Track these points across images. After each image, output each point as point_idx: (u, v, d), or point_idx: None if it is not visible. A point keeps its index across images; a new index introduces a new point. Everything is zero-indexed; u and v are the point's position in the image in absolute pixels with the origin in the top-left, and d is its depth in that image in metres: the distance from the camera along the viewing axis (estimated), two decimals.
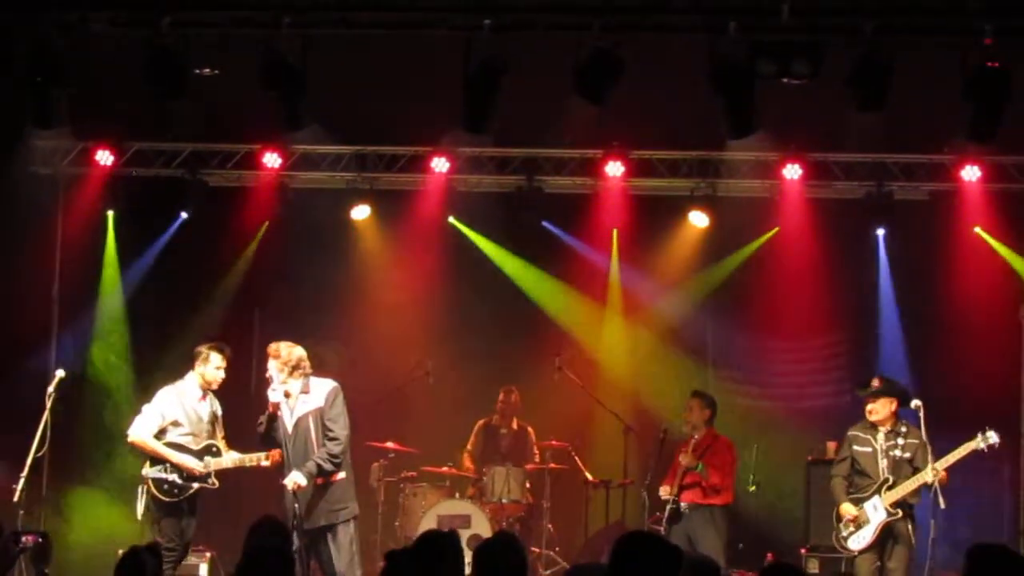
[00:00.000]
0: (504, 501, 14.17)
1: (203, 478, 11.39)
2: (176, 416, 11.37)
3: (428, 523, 13.52)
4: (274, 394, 11.01)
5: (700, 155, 14.70)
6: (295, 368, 11.07)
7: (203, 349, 11.61)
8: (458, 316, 15.41)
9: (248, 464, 11.48)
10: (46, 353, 14.41)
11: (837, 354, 15.32)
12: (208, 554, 12.92)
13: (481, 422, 15.06)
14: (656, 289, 15.44)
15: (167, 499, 11.23)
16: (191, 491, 11.31)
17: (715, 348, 15.65)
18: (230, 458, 11.52)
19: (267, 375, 11.15)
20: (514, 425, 14.99)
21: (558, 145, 14.60)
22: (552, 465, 14.50)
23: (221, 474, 11.39)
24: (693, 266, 15.33)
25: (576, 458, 14.48)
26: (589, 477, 14.30)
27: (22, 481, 11.17)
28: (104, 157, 14.62)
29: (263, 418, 11.09)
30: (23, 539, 7.83)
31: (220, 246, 15.27)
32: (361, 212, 15.10)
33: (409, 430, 14.66)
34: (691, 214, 14.94)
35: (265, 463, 11.39)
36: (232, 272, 15.38)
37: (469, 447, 14.97)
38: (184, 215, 14.91)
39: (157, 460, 11.27)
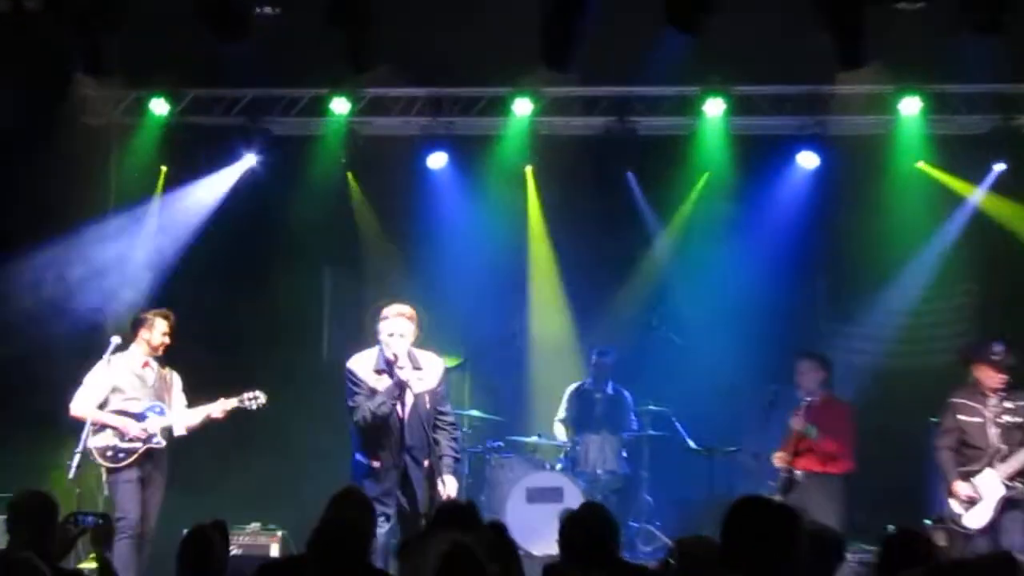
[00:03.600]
0: (599, 472, 14.13)
1: (147, 438, 11.66)
2: (116, 383, 11.73)
3: (517, 497, 13.66)
4: (404, 370, 10.62)
5: (808, 90, 14.52)
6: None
7: (148, 315, 12.05)
8: (546, 272, 15.31)
9: (197, 420, 11.87)
10: (100, 318, 14.35)
11: (962, 306, 15.08)
12: (279, 533, 13.09)
13: (573, 386, 14.87)
14: (761, 237, 15.10)
15: (113, 465, 11.53)
16: (136, 454, 11.58)
17: (827, 301, 15.48)
18: (173, 416, 11.84)
19: (390, 344, 10.65)
20: (609, 389, 14.77)
21: (652, 82, 14.52)
22: (651, 432, 14.48)
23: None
24: (802, 212, 14.96)
25: (677, 424, 14.36)
26: (691, 444, 14.15)
27: (77, 457, 11.16)
28: (159, 106, 14.67)
29: (383, 396, 10.58)
30: (83, 521, 7.97)
31: (286, 198, 15.13)
32: (437, 160, 15.07)
33: (494, 396, 14.70)
34: (799, 154, 14.84)
35: (217, 416, 11.84)
36: (299, 226, 15.25)
37: (560, 414, 14.80)
38: (252, 157, 14.95)
39: (100, 430, 11.56)
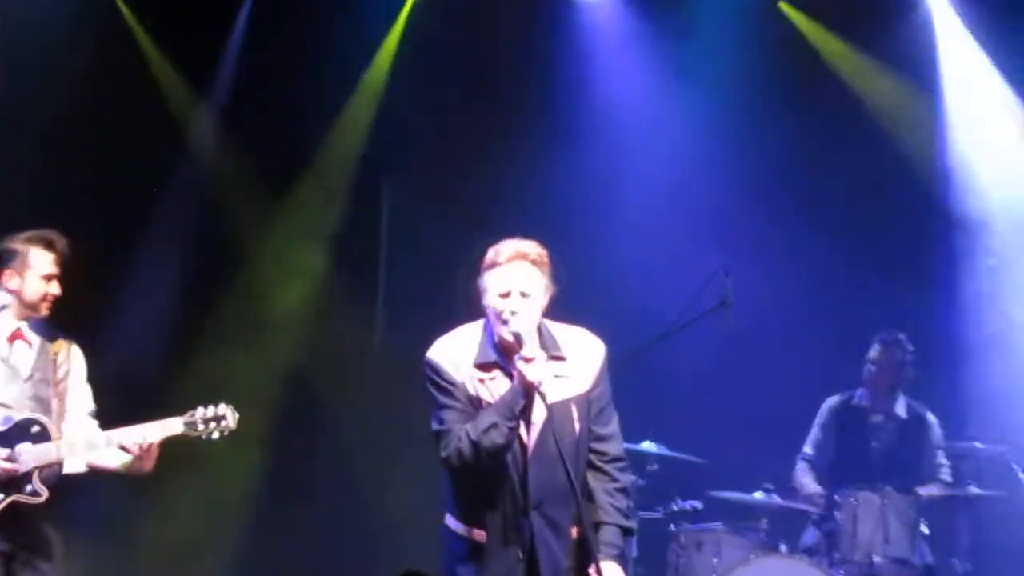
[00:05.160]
0: (876, 560, 12.42)
1: (13, 483, 9.61)
2: None
3: None
4: (534, 366, 8.66)
5: None
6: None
7: (16, 245, 9.97)
8: (782, 182, 13.89)
9: (107, 454, 9.69)
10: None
11: None
12: None
13: (832, 402, 13.29)
14: None
15: None
16: None
17: None
18: (63, 444, 9.72)
19: (508, 313, 8.81)
20: (900, 410, 13.11)
21: None
22: (975, 489, 12.87)
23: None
24: None
25: None
26: None
27: None
28: None
29: (496, 413, 8.80)
30: None
31: (314, 60, 14.20)
32: None
33: (685, 419, 13.21)
34: None
35: (136, 450, 9.56)
36: (337, 111, 14.53)
37: (808, 451, 13.21)
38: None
39: None
